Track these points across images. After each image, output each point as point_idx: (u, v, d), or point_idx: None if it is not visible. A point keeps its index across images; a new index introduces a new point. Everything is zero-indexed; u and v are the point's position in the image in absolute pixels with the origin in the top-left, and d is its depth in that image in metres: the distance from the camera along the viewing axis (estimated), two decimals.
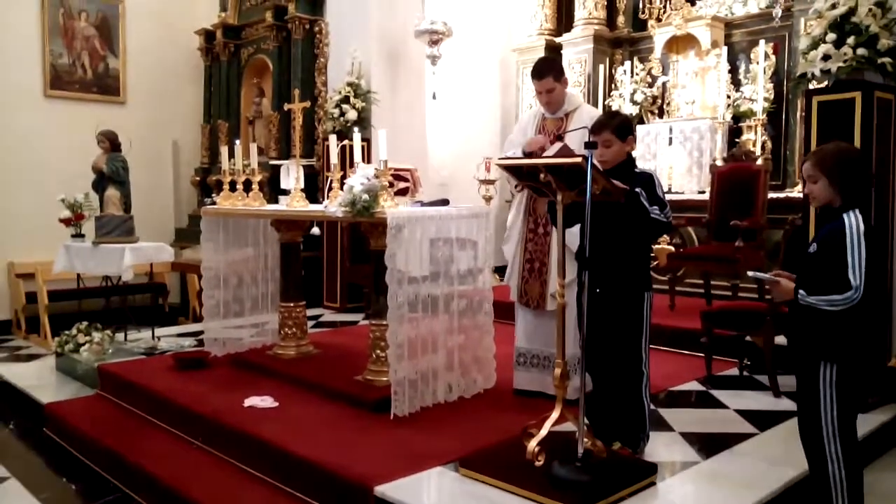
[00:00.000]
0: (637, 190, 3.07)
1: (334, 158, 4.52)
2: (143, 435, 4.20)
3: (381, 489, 2.93)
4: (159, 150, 9.06)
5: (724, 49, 7.11)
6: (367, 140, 6.12)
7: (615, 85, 8.08)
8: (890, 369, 4.17)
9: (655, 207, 3.10)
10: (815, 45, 4.03)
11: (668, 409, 3.99)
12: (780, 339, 4.07)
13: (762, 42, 6.72)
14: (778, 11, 6.55)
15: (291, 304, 5.00)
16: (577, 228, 3.13)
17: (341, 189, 4.07)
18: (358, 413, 3.89)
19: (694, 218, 6.30)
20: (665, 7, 7.95)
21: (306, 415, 3.90)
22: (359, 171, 3.96)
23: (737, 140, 7.00)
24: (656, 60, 7.82)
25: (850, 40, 3.88)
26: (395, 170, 4.36)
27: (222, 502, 3.35)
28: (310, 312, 5.63)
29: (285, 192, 5.36)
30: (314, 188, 7.26)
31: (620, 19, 8.24)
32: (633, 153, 3.40)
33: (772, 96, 6.86)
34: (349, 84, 7.34)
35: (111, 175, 6.18)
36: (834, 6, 3.99)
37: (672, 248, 6.64)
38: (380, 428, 3.65)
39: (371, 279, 4.17)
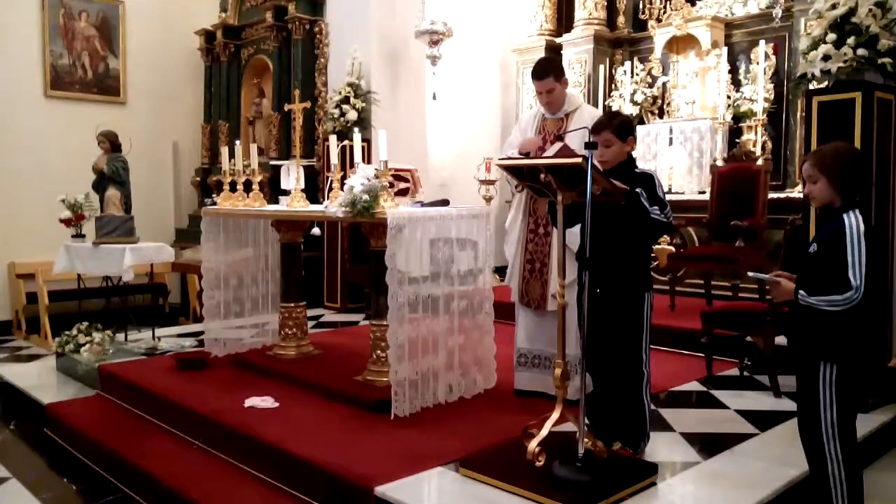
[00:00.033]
0: (637, 190, 3.07)
1: (334, 159, 4.52)
2: (143, 435, 4.20)
3: (382, 489, 2.93)
4: (159, 150, 9.06)
5: (725, 49, 7.12)
6: (367, 140, 6.12)
7: (615, 85, 8.09)
8: (890, 370, 4.17)
9: (656, 208, 3.10)
10: (815, 45, 4.03)
11: (668, 409, 3.99)
12: (781, 340, 4.07)
13: (762, 42, 6.73)
14: (778, 12, 6.55)
15: (292, 305, 5.00)
16: (577, 229, 3.13)
17: (341, 189, 4.07)
18: (358, 413, 3.89)
19: (694, 218, 6.31)
20: (665, 7, 7.95)
21: (307, 415, 3.90)
22: (359, 171, 3.96)
23: (737, 140, 7.01)
24: (656, 61, 7.82)
25: (851, 41, 3.88)
26: (396, 170, 4.36)
27: (222, 502, 3.35)
28: (310, 313, 5.64)
29: (286, 193, 5.36)
30: (314, 188, 7.26)
31: (620, 20, 8.25)
32: (634, 153, 3.40)
33: (772, 96, 6.86)
34: (349, 84, 7.34)
35: (111, 175, 6.19)
36: (834, 6, 3.99)
37: (672, 249, 6.65)
38: (380, 428, 3.65)
39: (371, 279, 4.17)
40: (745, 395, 4.30)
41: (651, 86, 7.86)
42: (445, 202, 4.31)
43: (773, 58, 6.90)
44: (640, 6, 8.17)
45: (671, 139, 7.26)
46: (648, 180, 3.18)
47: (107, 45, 8.68)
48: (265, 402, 4.07)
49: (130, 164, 6.33)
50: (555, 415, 3.02)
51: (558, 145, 3.85)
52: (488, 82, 9.47)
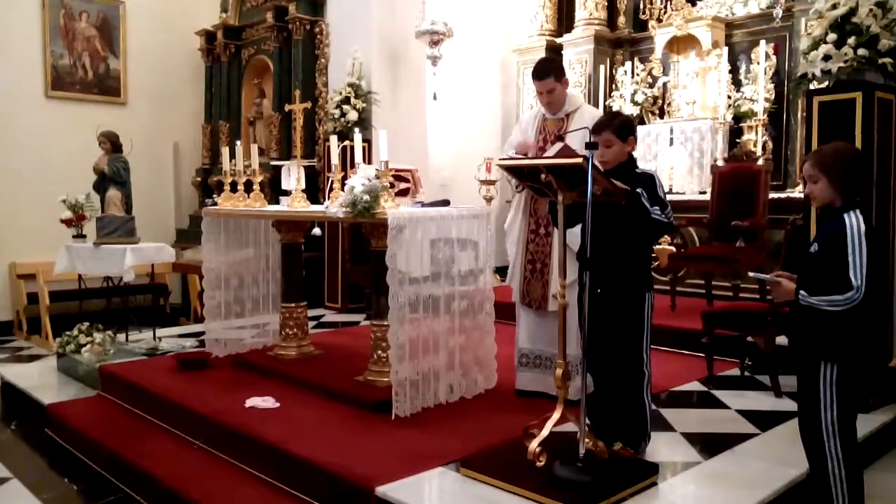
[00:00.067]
0: (638, 190, 3.07)
1: (335, 159, 4.52)
2: (144, 435, 4.20)
3: (383, 489, 2.93)
4: (160, 150, 9.07)
5: (725, 49, 7.12)
6: (367, 141, 6.13)
7: (616, 85, 8.09)
8: (891, 370, 4.16)
9: (656, 208, 3.10)
10: (815, 45, 4.03)
11: (669, 409, 3.99)
12: (782, 340, 4.07)
13: (763, 42, 6.73)
14: (778, 12, 6.55)
15: (293, 305, 5.00)
16: (578, 229, 3.13)
17: (342, 190, 4.07)
18: (359, 413, 3.89)
19: (695, 218, 6.31)
20: (665, 7, 7.96)
21: (307, 415, 3.90)
22: (359, 171, 3.96)
23: (737, 140, 7.01)
24: (657, 61, 7.82)
25: (851, 41, 3.88)
26: (396, 170, 4.36)
27: (223, 503, 3.35)
28: (311, 313, 5.64)
29: (286, 193, 5.35)
30: (315, 189, 7.26)
31: (621, 20, 8.25)
32: (634, 153, 3.40)
33: (772, 97, 6.87)
34: (350, 85, 7.34)
35: (112, 176, 6.19)
36: (834, 6, 3.99)
37: (673, 249, 6.64)
38: (381, 428, 3.65)
39: (372, 280, 4.17)
40: (745, 395, 4.30)
41: (651, 86, 7.87)
42: (446, 202, 4.31)
43: (773, 58, 6.90)
44: (641, 6, 8.18)
45: (672, 139, 7.26)
46: (649, 180, 3.18)
47: (107, 45, 8.69)
48: (266, 402, 4.07)
49: (131, 164, 6.33)
50: (556, 415, 3.02)
51: (559, 145, 3.85)
52: (489, 82, 9.47)
